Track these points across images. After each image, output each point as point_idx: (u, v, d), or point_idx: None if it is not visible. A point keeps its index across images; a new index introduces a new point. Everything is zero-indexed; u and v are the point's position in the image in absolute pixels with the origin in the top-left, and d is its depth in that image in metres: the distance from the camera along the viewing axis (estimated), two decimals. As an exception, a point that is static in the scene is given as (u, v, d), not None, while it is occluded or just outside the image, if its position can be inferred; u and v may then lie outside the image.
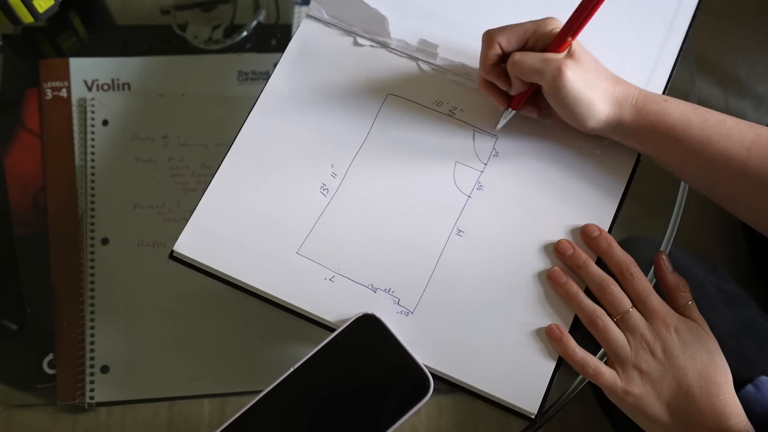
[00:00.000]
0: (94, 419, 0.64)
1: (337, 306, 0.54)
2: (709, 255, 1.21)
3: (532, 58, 0.52)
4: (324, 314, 0.54)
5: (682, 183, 0.67)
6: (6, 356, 0.66)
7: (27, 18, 0.68)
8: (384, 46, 0.62)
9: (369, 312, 0.53)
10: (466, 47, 0.61)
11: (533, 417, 0.52)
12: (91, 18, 0.76)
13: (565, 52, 0.52)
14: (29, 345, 0.65)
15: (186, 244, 0.55)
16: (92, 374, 0.64)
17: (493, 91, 0.57)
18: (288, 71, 0.61)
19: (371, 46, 0.62)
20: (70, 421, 0.64)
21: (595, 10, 0.51)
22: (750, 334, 0.72)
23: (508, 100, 0.57)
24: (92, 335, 0.65)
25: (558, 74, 0.51)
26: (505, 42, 0.54)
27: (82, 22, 0.75)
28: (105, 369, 0.64)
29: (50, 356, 0.65)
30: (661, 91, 0.61)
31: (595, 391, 0.88)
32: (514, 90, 0.55)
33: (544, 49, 0.53)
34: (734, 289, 0.77)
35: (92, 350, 0.64)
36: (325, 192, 0.58)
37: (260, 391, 0.51)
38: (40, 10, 0.68)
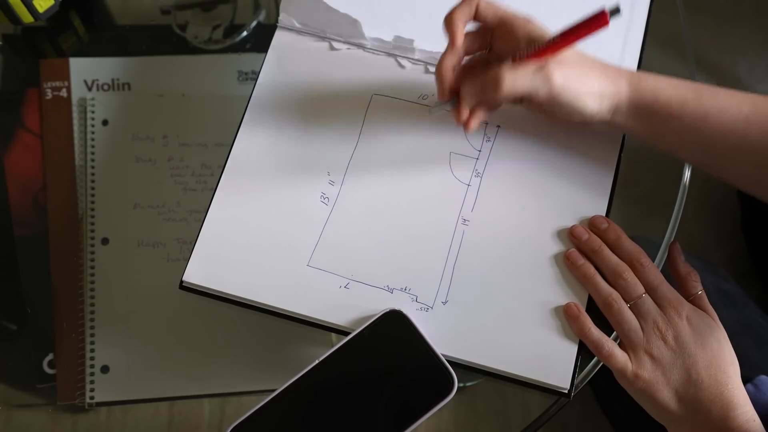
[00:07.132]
0: (94, 419, 0.64)
1: (357, 312, 0.54)
2: (709, 255, 1.21)
3: (522, 78, 0.51)
4: (345, 322, 0.54)
5: (682, 183, 0.67)
6: (6, 356, 0.66)
7: (27, 18, 0.68)
8: (360, 47, 0.62)
9: (396, 308, 0.53)
10: (441, 37, 0.60)
11: (566, 392, 0.53)
12: (91, 18, 0.76)
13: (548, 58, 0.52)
14: (29, 345, 0.65)
15: (195, 273, 0.55)
16: (92, 374, 0.64)
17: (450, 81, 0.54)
18: (269, 85, 0.61)
19: (347, 48, 0.62)
20: (70, 421, 0.64)
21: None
22: (749, 334, 0.72)
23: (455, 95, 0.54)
24: (92, 335, 0.65)
25: (552, 85, 0.51)
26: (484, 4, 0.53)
27: (82, 22, 0.75)
28: (105, 369, 0.64)
29: (50, 356, 0.65)
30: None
31: (595, 391, 0.88)
32: (500, 102, 0.55)
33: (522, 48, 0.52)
34: (733, 289, 0.77)
35: (92, 350, 0.64)
36: (325, 201, 0.57)
37: (283, 384, 0.51)
38: (40, 10, 0.68)
